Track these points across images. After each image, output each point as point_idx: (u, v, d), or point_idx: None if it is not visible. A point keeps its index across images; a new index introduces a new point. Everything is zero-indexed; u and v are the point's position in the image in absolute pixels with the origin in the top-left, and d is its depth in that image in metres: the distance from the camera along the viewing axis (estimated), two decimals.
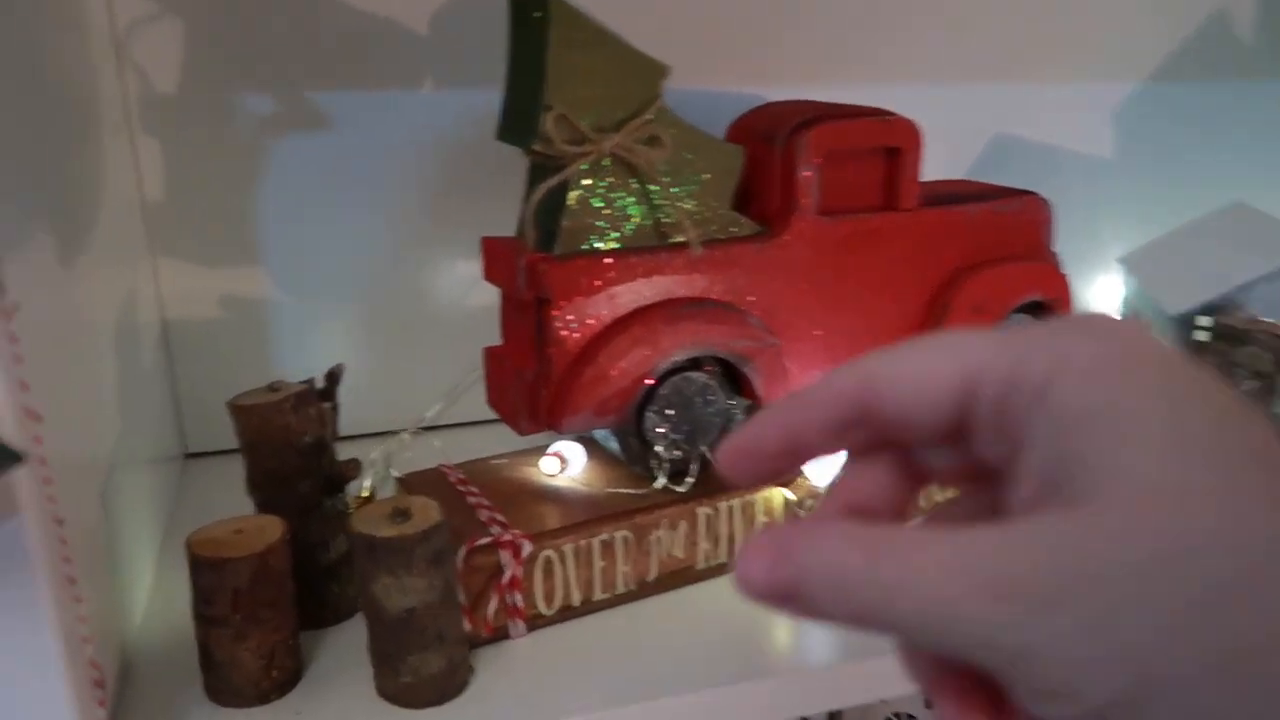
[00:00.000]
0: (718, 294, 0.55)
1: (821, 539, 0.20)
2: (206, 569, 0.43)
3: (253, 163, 0.68)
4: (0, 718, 0.33)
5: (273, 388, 0.49)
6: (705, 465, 0.56)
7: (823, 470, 0.57)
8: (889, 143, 0.59)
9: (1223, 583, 0.17)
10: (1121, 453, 0.18)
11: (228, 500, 0.50)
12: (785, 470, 0.23)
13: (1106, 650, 0.17)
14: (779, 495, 0.57)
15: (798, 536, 0.20)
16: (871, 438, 0.23)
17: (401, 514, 0.44)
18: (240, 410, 0.48)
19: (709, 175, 0.55)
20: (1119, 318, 0.23)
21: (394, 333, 0.74)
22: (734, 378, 0.57)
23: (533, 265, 0.50)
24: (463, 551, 0.47)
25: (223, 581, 0.43)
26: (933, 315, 0.63)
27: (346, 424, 0.75)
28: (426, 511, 0.45)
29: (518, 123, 0.52)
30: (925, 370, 0.22)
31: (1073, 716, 0.18)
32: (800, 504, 0.58)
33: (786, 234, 0.57)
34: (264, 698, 0.45)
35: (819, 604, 0.20)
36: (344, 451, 0.53)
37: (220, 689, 0.45)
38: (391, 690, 0.45)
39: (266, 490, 0.49)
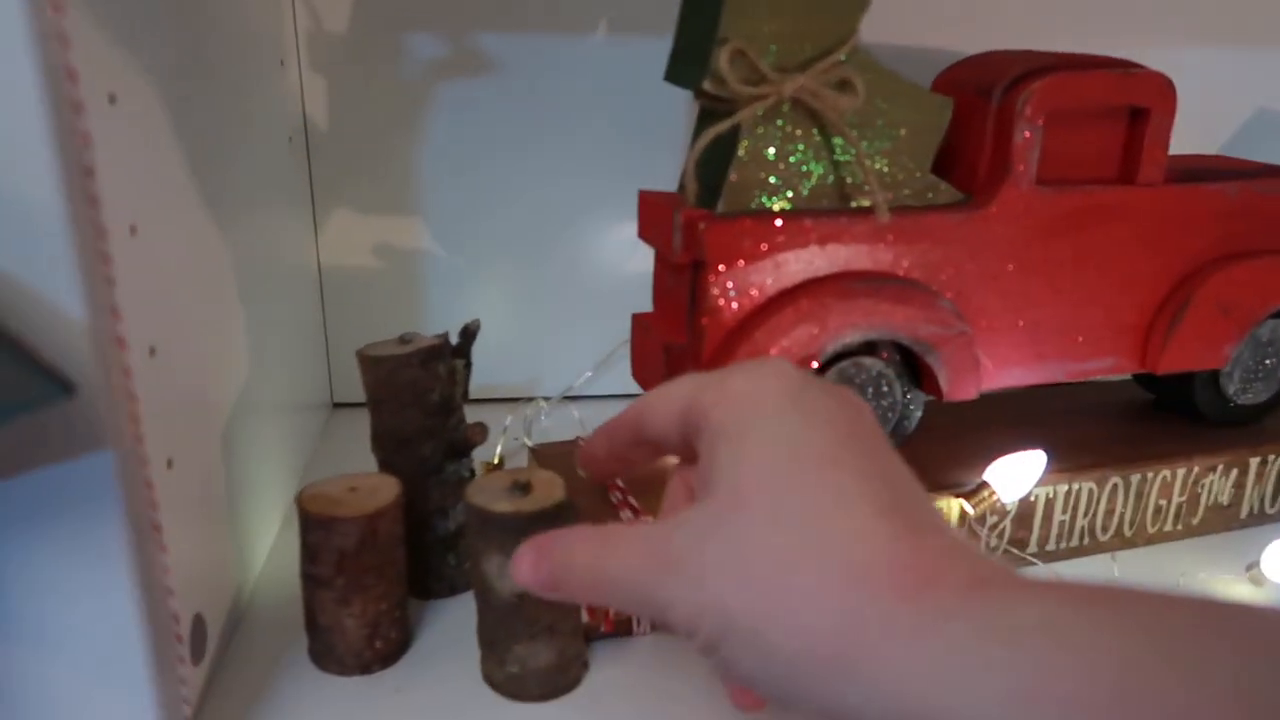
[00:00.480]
0: (904, 270, 0.47)
1: (569, 542, 0.28)
2: (314, 526, 0.40)
3: (417, 108, 0.65)
4: (75, 666, 0.31)
5: (403, 340, 0.46)
6: None
7: (1007, 484, 0.48)
8: (1133, 101, 0.49)
9: (759, 552, 0.24)
10: (731, 460, 0.26)
11: (368, 455, 0.47)
12: (619, 472, 0.37)
13: (698, 602, 0.24)
14: (957, 506, 0.49)
15: (553, 541, 0.28)
16: (654, 450, 0.32)
17: (521, 488, 0.39)
18: (366, 361, 0.44)
19: (906, 131, 0.47)
20: (782, 364, 0.28)
21: (548, 293, 0.70)
22: (914, 368, 0.49)
23: (690, 223, 0.44)
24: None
25: (329, 541, 0.40)
26: (1167, 313, 0.52)
27: (489, 385, 0.73)
28: (550, 487, 0.40)
29: (688, 59, 0.45)
30: (663, 405, 0.30)
31: (701, 650, 0.25)
32: (980, 518, 0.50)
33: (994, 205, 0.48)
34: (366, 668, 0.42)
35: (573, 591, 0.28)
36: (480, 414, 0.49)
37: (323, 654, 0.42)
38: (498, 679, 0.41)
39: (388, 449, 0.45)
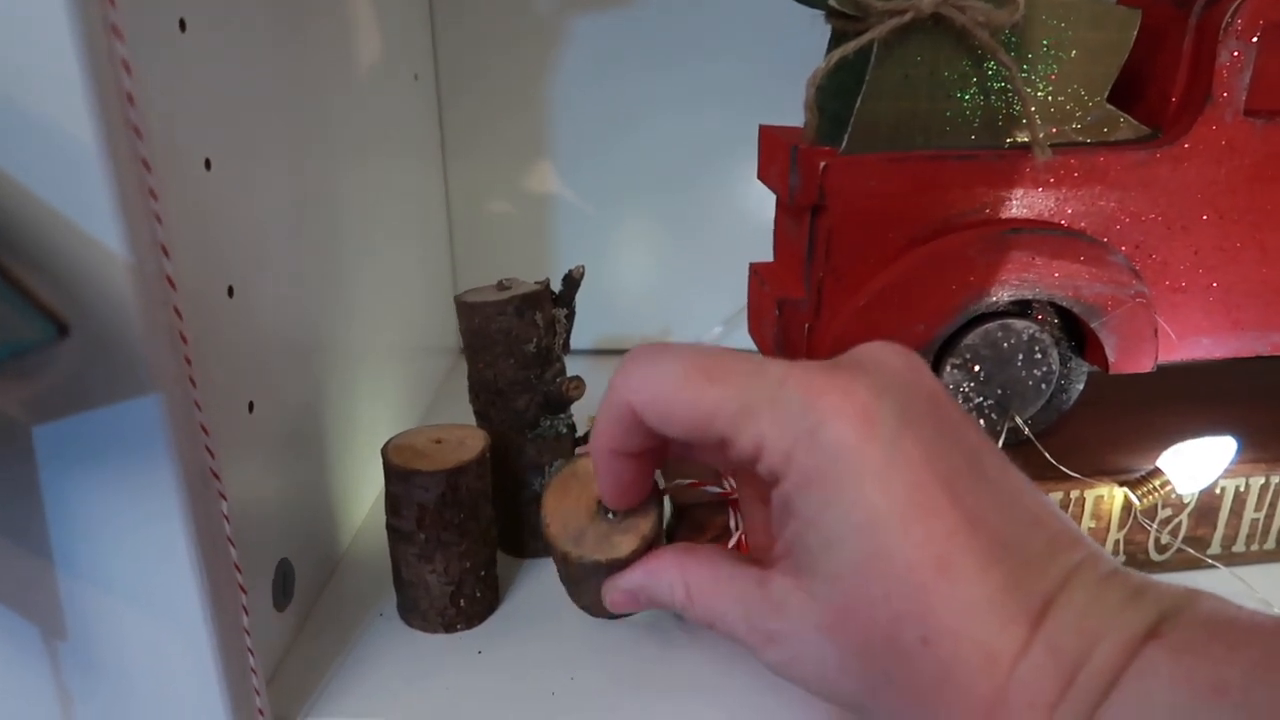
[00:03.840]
0: (1068, 218, 0.41)
1: (659, 585, 0.30)
2: (395, 478, 0.38)
3: (548, 43, 0.62)
4: (139, 609, 0.30)
5: (502, 285, 0.43)
6: (1017, 443, 0.42)
7: (1185, 474, 0.41)
8: None
9: (836, 672, 0.25)
10: (825, 562, 0.24)
11: None
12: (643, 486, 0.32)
13: (805, 675, 0.26)
14: (1120, 496, 0.42)
15: (644, 587, 0.30)
16: (653, 440, 0.29)
17: (610, 511, 0.36)
18: (463, 307, 0.42)
19: (1078, 51, 0.40)
20: (853, 409, 0.24)
21: (683, 239, 0.66)
22: (1078, 331, 0.43)
23: (808, 161, 0.39)
24: (680, 482, 0.39)
25: (409, 494, 0.38)
26: None
27: (618, 336, 0.70)
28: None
29: None
30: (683, 422, 0.26)
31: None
32: (1149, 511, 0.43)
33: (1188, 141, 0.40)
34: (449, 626, 0.40)
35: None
36: (603, 367, 0.46)
37: (408, 609, 0.41)
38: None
39: (482, 400, 0.43)
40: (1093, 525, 0.43)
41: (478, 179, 0.66)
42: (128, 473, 0.29)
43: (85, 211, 0.26)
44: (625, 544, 0.32)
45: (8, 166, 0.25)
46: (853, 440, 0.24)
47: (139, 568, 0.30)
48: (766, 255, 0.48)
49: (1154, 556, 0.44)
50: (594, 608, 0.34)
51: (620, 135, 0.64)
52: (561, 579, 0.35)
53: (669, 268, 0.67)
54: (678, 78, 0.62)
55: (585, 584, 0.33)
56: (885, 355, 0.26)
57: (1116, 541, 0.43)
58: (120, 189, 0.26)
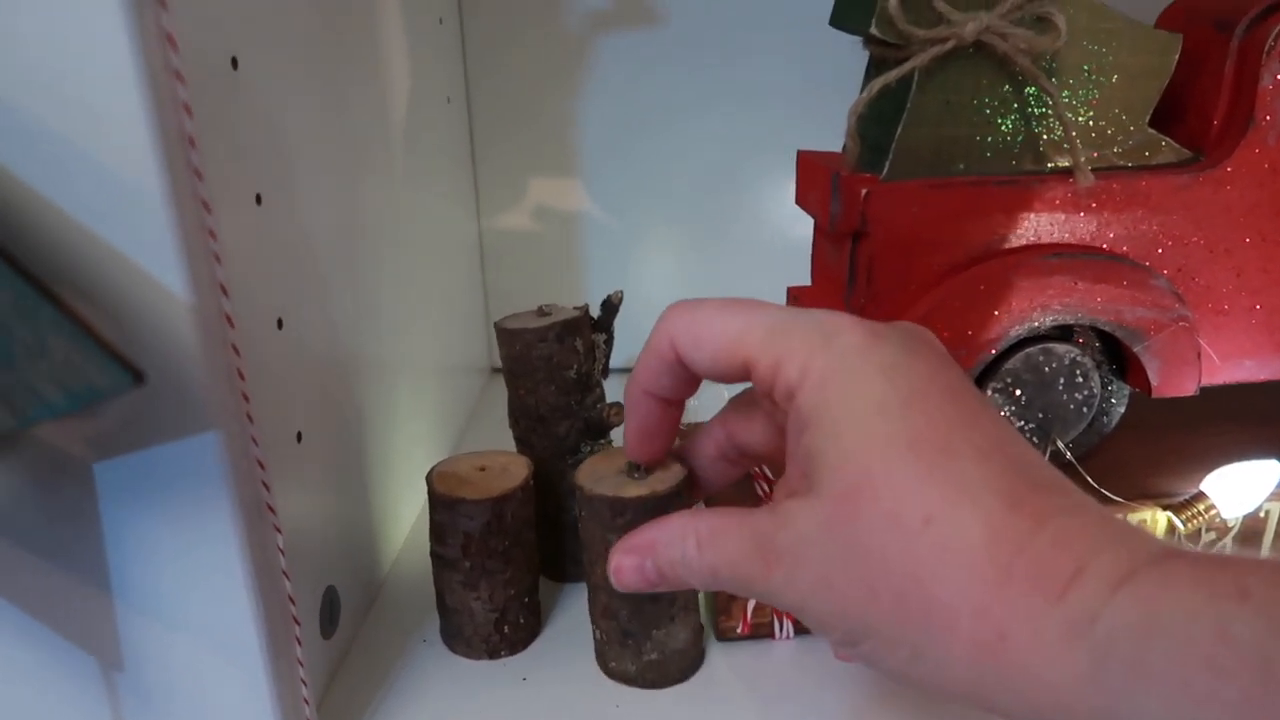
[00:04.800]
0: (1109, 242, 0.40)
1: (669, 540, 0.28)
2: (440, 506, 0.39)
3: (578, 65, 0.63)
4: (193, 639, 0.31)
5: (542, 311, 0.43)
6: (1059, 466, 0.42)
7: (1230, 498, 0.41)
8: None
9: (887, 563, 0.23)
10: (834, 457, 0.24)
11: None
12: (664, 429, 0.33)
13: (825, 605, 0.25)
14: (1164, 520, 0.42)
15: (654, 541, 0.29)
16: (690, 377, 0.30)
17: (639, 469, 0.36)
18: (502, 333, 0.43)
19: (1119, 76, 0.40)
20: (864, 327, 0.26)
21: (712, 260, 0.67)
22: (1119, 354, 0.42)
23: (849, 188, 0.39)
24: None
25: (454, 522, 0.38)
26: None
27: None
28: (665, 463, 0.37)
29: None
30: (711, 345, 0.28)
31: (838, 645, 0.25)
32: (1194, 535, 0.42)
33: (1230, 164, 0.40)
34: (493, 652, 0.41)
35: (675, 584, 0.29)
36: (621, 386, 0.46)
37: (452, 634, 0.41)
38: (633, 670, 0.39)
39: (523, 425, 0.44)
40: None
41: (508, 199, 0.66)
42: (186, 507, 0.29)
43: (149, 254, 0.26)
44: (634, 490, 0.35)
45: (76, 212, 0.25)
46: (863, 343, 0.25)
47: (196, 600, 0.30)
48: (798, 274, 0.48)
49: None
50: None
51: (650, 155, 0.64)
52: (582, 541, 0.37)
53: (700, 287, 0.67)
54: (708, 98, 0.63)
55: (594, 531, 0.36)
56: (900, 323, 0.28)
57: None
58: (183, 232, 0.26)
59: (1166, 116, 0.41)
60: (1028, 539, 0.22)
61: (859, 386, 0.25)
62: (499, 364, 0.69)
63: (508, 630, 0.40)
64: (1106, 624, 0.20)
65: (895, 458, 0.23)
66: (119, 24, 0.24)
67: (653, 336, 0.30)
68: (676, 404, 0.32)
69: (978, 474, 0.23)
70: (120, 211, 0.26)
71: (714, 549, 0.27)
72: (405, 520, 0.50)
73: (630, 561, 0.29)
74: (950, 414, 0.24)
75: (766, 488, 0.43)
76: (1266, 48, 0.39)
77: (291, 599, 0.32)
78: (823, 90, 0.60)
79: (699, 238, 0.66)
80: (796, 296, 0.45)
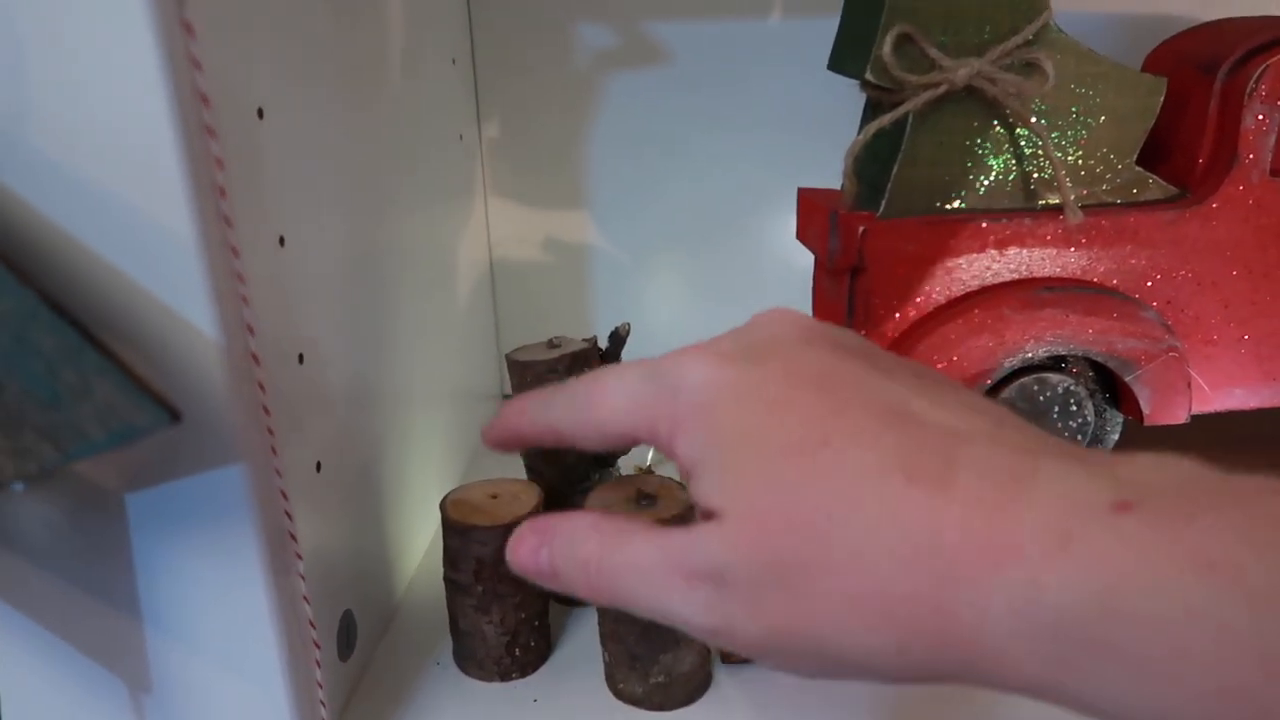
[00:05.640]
0: (1100, 276, 0.42)
1: (572, 530, 0.26)
2: (453, 532, 0.40)
3: (587, 101, 0.65)
4: (217, 664, 0.32)
5: (552, 344, 0.45)
6: None
7: None
8: None
9: (804, 572, 0.22)
10: (719, 493, 0.23)
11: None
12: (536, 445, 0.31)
13: (717, 611, 0.23)
14: None
15: (555, 527, 0.27)
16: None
17: (647, 498, 0.38)
18: (514, 365, 0.44)
19: (1107, 118, 0.41)
20: (709, 359, 0.25)
21: (718, 290, 0.68)
22: (1112, 384, 0.44)
23: (847, 226, 0.40)
24: None
25: (467, 548, 0.40)
26: None
27: None
28: (672, 493, 0.39)
29: (851, 44, 0.42)
30: (593, 433, 0.28)
31: (745, 653, 0.23)
32: None
33: (1215, 200, 0.41)
34: (504, 675, 0.42)
35: (569, 582, 0.26)
36: None
37: (465, 657, 0.42)
38: (639, 693, 0.40)
39: (533, 454, 0.45)
40: None
41: (519, 231, 0.68)
42: (213, 536, 0.31)
43: (182, 298, 0.28)
44: (640, 517, 0.35)
45: (116, 261, 0.27)
46: (710, 379, 0.24)
47: (221, 625, 0.32)
48: (803, 304, 0.49)
49: None
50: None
51: (657, 188, 0.66)
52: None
53: (706, 317, 0.69)
54: (714, 132, 0.64)
55: None
56: (767, 316, 0.28)
57: None
58: (213, 277, 0.28)
59: (1153, 155, 0.42)
60: (946, 510, 0.20)
61: (720, 421, 0.24)
62: (509, 391, 0.71)
63: (519, 653, 0.42)
64: (1054, 599, 0.19)
65: (775, 470, 0.22)
66: (158, 87, 0.26)
67: (533, 415, 0.30)
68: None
69: (874, 451, 0.22)
70: (156, 259, 0.28)
71: (618, 554, 0.25)
72: (419, 545, 0.51)
73: (530, 540, 0.27)
74: (821, 408, 0.23)
75: None
76: (1248, 90, 0.40)
77: (312, 623, 0.34)
78: (827, 124, 0.62)
79: (706, 269, 0.68)
80: None
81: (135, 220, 0.27)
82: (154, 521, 0.31)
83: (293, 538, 0.32)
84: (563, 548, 0.26)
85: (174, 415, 0.23)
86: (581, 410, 0.28)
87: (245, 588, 0.31)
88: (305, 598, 0.33)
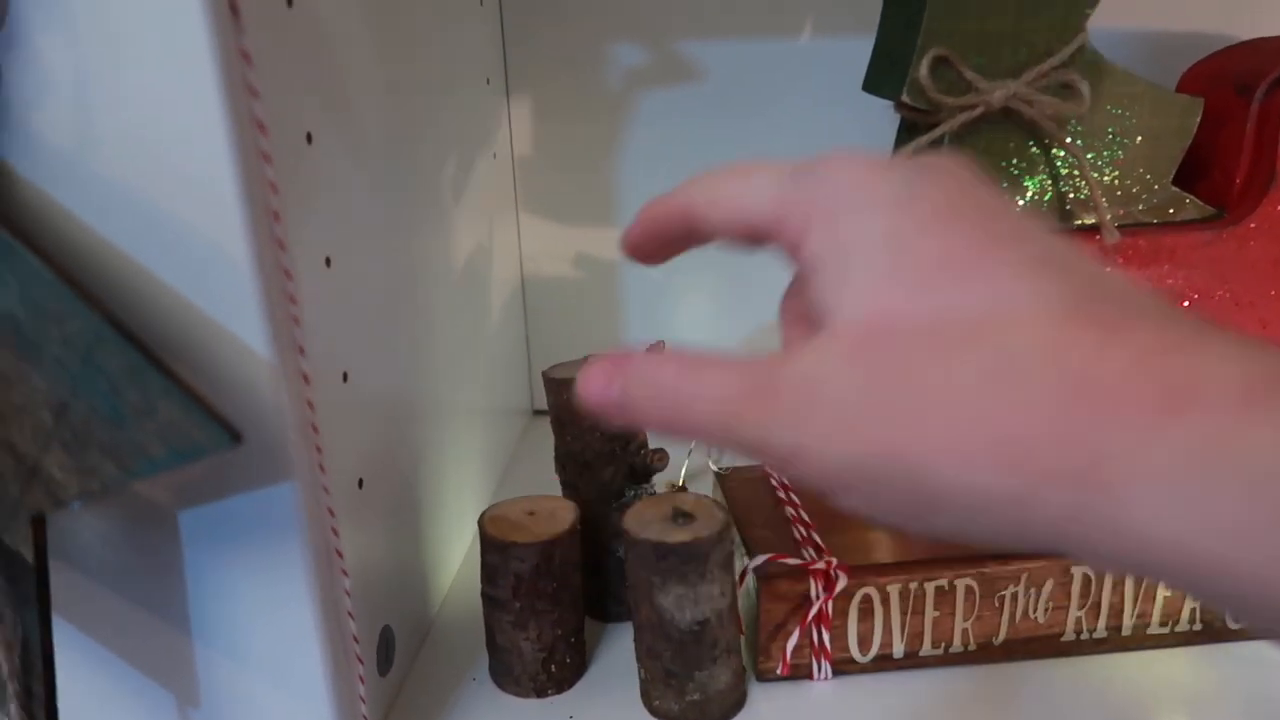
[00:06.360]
0: None
1: (646, 359, 0.24)
2: (492, 549, 0.41)
3: (618, 118, 0.65)
4: (264, 676, 0.33)
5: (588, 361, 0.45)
6: None
7: None
8: None
9: (926, 385, 0.19)
10: (839, 292, 0.21)
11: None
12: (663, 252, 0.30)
13: (798, 430, 0.21)
14: None
15: (629, 358, 0.24)
16: (704, 236, 0.27)
17: (684, 515, 0.38)
18: (551, 383, 0.45)
19: (1143, 138, 0.41)
20: (868, 163, 0.23)
21: (749, 306, 0.68)
22: None
23: None
24: (759, 560, 0.41)
25: (505, 565, 0.40)
26: None
27: None
28: (708, 510, 0.40)
29: (887, 66, 0.42)
30: (726, 207, 0.26)
31: (821, 489, 0.21)
32: None
33: (1253, 219, 0.41)
34: (540, 691, 0.42)
35: (640, 411, 0.24)
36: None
37: (501, 672, 0.43)
38: (675, 710, 0.40)
39: (570, 471, 0.46)
40: (1169, 593, 0.43)
41: (550, 248, 0.69)
42: (263, 553, 0.31)
43: (237, 320, 0.29)
44: (678, 535, 0.37)
45: (176, 285, 0.28)
46: (865, 178, 0.22)
47: (269, 640, 0.32)
48: None
49: (1230, 624, 0.44)
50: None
51: None
52: (628, 583, 0.40)
53: (736, 332, 0.69)
54: (741, 150, 0.65)
55: (639, 574, 0.39)
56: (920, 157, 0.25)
57: (1193, 609, 0.44)
58: (268, 299, 0.29)
59: (1190, 175, 0.42)
60: (1114, 350, 0.18)
61: (865, 221, 0.22)
62: (540, 406, 0.72)
63: (555, 669, 0.42)
64: (1243, 450, 0.16)
65: (920, 279, 0.20)
66: (217, 114, 0.27)
67: (674, 191, 0.28)
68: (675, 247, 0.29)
69: (1034, 285, 0.19)
70: (213, 281, 0.28)
71: (696, 379, 0.23)
72: (454, 560, 0.52)
73: (601, 373, 0.24)
74: (986, 232, 0.20)
75: (804, 531, 0.45)
76: None
77: (355, 639, 0.34)
78: (855, 140, 0.62)
79: (734, 285, 0.68)
80: None
81: (193, 243, 0.28)
82: (205, 538, 0.31)
83: (339, 554, 0.33)
84: (636, 375, 0.23)
85: (235, 436, 0.24)
86: (722, 185, 0.26)
87: (292, 603, 0.32)
88: (350, 613, 0.34)
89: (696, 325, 0.69)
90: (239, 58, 0.28)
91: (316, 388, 0.32)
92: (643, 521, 0.39)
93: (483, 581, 0.42)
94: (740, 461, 0.57)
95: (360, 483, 0.38)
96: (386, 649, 0.41)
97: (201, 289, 0.28)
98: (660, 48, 0.64)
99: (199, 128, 0.27)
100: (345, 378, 0.37)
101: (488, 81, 0.61)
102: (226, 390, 0.29)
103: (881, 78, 0.43)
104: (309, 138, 0.34)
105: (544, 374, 0.45)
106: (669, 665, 0.39)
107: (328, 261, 0.35)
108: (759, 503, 0.48)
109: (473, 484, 0.56)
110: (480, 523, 0.41)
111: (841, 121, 0.62)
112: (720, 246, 0.28)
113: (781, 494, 0.48)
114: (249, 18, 0.29)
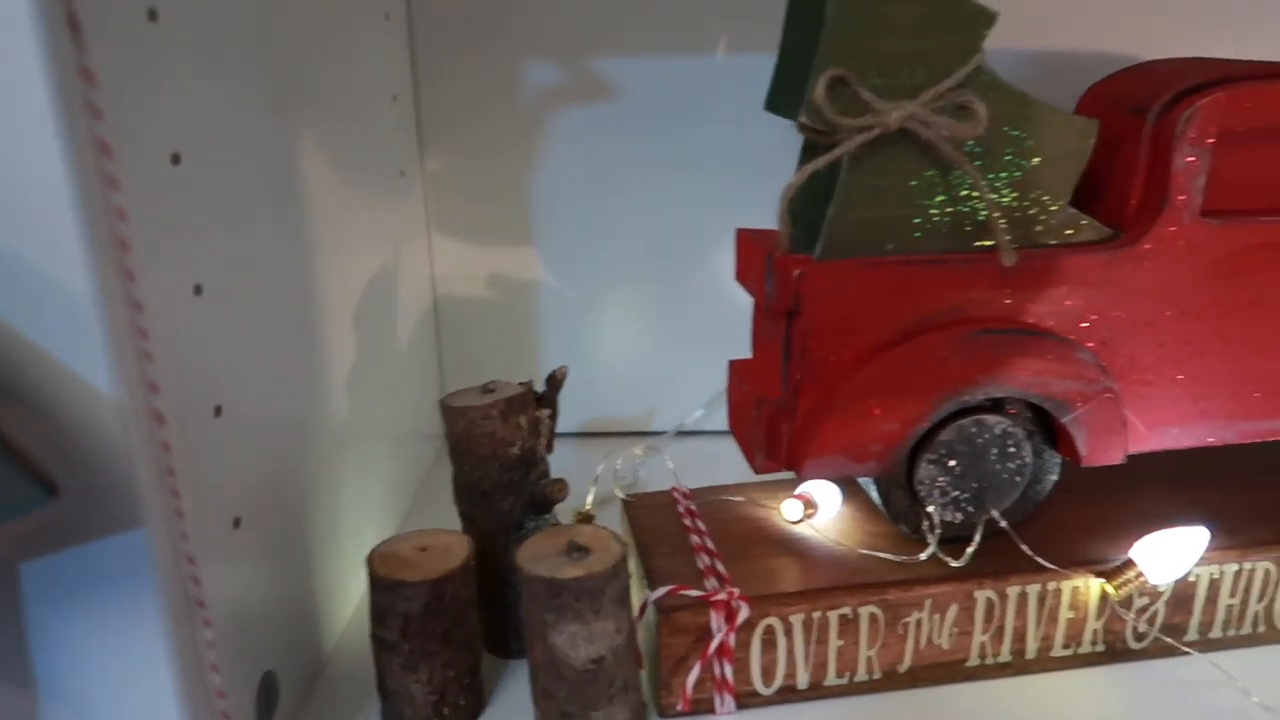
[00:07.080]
0: (1035, 317, 0.42)
1: None
2: (380, 588, 0.39)
3: (531, 136, 0.64)
4: None
5: (487, 388, 0.44)
6: (994, 534, 0.43)
7: (1158, 565, 0.42)
8: None
9: None
10: None
11: None
12: None
13: None
14: (1097, 587, 0.43)
15: None
16: None
17: (579, 549, 0.37)
18: (448, 411, 0.43)
19: (1040, 159, 0.41)
20: None
21: (665, 325, 0.67)
22: (1049, 425, 0.43)
23: (783, 268, 0.40)
24: (659, 593, 0.40)
25: (394, 605, 0.38)
26: None
27: (604, 419, 0.71)
28: (605, 543, 0.38)
29: (787, 86, 0.42)
30: None
31: None
32: (1125, 602, 0.43)
33: (1148, 241, 0.42)
34: None
35: None
36: (591, 449, 0.47)
37: (392, 717, 0.41)
38: None
39: (468, 502, 0.44)
40: (1071, 615, 0.43)
41: (463, 268, 0.67)
42: (113, 606, 0.29)
43: (77, 357, 0.27)
44: (571, 570, 0.36)
45: (9, 316, 0.26)
46: None
47: (123, 699, 0.30)
48: (745, 337, 0.48)
49: (1131, 644, 0.45)
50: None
51: (603, 225, 0.65)
52: (522, 620, 0.39)
53: (651, 352, 0.68)
54: (660, 168, 0.64)
55: (532, 611, 0.37)
56: None
57: (1095, 630, 0.44)
58: (113, 335, 0.27)
59: (1086, 196, 0.42)
60: None
61: None
62: None
63: (447, 712, 0.40)
64: None
65: None
66: (51, 138, 0.25)
67: None
68: None
69: None
70: (50, 318, 0.26)
71: None
72: (350, 599, 0.50)
73: None
74: None
75: (708, 560, 0.43)
76: (1178, 132, 0.41)
77: (221, 693, 0.32)
78: (771, 158, 0.61)
79: (652, 305, 0.67)
80: (738, 370, 0.46)
81: (28, 276, 0.26)
82: (50, 592, 0.29)
83: (200, 604, 0.31)
84: None
85: (51, 490, 0.22)
86: None
87: (148, 660, 0.30)
88: (214, 666, 0.32)
89: (611, 345, 0.68)
90: (79, 76, 0.26)
91: (179, 425, 0.30)
92: (536, 557, 0.37)
93: (372, 623, 0.40)
94: (650, 486, 0.56)
95: (237, 521, 0.36)
96: (268, 696, 0.39)
97: (39, 325, 0.26)
98: (576, 64, 0.63)
99: (30, 151, 0.25)
100: (218, 411, 0.35)
101: (394, 98, 0.59)
102: (67, 433, 0.27)
103: (781, 98, 0.42)
104: (175, 158, 0.32)
105: (441, 402, 0.44)
106: (564, 706, 0.38)
107: (198, 289, 0.33)
108: (664, 530, 0.46)
109: (376, 517, 0.54)
110: (369, 561, 0.40)
111: (758, 139, 0.61)
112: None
113: (688, 520, 0.47)
114: (96, 33, 0.27)
